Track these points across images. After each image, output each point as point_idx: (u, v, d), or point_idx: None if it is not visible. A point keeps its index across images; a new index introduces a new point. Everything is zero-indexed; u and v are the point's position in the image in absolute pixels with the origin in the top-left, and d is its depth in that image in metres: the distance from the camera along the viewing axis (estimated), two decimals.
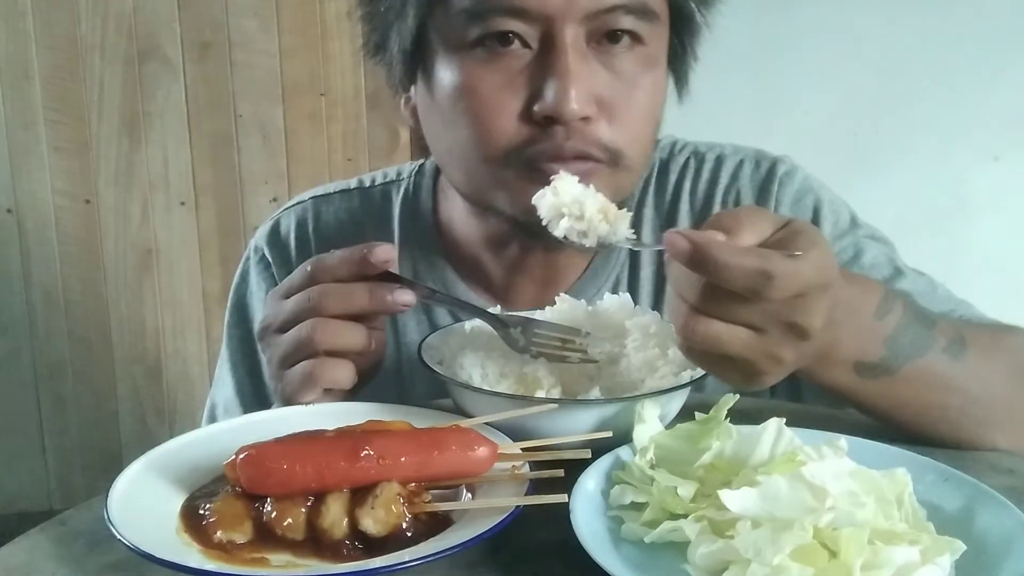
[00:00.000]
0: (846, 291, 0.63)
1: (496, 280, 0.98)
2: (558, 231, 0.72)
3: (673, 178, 1.01)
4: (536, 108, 0.80)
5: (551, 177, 0.73)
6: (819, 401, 0.91)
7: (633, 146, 0.84)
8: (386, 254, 0.72)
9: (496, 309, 0.80)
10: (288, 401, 0.75)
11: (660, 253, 0.97)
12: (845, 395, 0.71)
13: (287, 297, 0.76)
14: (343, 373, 0.74)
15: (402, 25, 0.85)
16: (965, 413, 0.72)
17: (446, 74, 0.84)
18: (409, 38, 0.85)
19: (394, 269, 0.74)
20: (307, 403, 0.73)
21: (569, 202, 0.71)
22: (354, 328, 0.74)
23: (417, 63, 0.88)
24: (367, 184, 1.08)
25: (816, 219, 0.96)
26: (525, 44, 0.80)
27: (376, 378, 0.79)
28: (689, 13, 0.88)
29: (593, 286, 0.97)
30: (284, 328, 0.75)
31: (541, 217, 0.73)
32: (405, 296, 0.73)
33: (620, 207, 0.73)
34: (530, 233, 0.86)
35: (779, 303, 0.58)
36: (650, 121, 0.87)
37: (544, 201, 0.73)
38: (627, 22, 0.81)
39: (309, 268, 0.75)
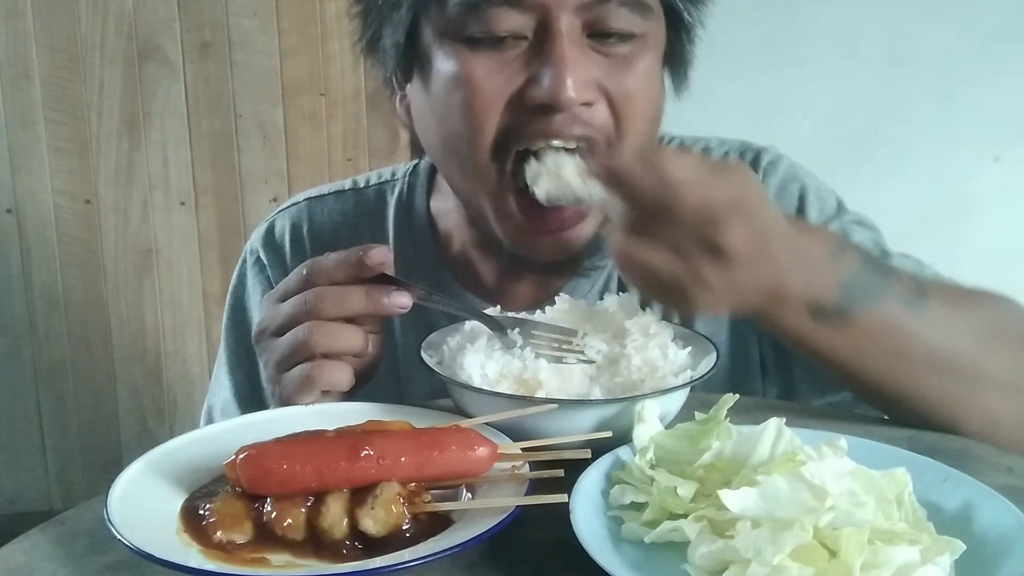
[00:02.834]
0: (794, 235, 0.67)
1: (489, 281, 0.99)
2: (539, 191, 0.80)
3: None
4: (530, 94, 0.80)
5: (536, 148, 0.81)
6: (812, 392, 0.91)
7: (635, 124, 0.84)
8: (382, 256, 0.72)
9: (496, 310, 0.80)
10: (286, 404, 0.75)
11: None
12: (805, 344, 0.72)
13: (283, 300, 0.76)
14: (341, 375, 0.74)
15: (396, 17, 0.85)
16: (929, 367, 0.72)
17: (441, 64, 0.84)
18: (403, 31, 0.85)
19: (389, 271, 0.74)
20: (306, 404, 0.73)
21: (551, 167, 0.80)
22: (351, 330, 0.74)
23: (411, 59, 0.88)
24: (361, 185, 1.08)
25: (802, 206, 0.97)
26: (521, 35, 0.81)
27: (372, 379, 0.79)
28: (679, 11, 0.88)
29: (586, 284, 0.97)
30: (281, 331, 0.75)
31: (528, 183, 0.80)
32: (402, 298, 0.73)
33: None
34: (521, 261, 0.91)
35: (691, 220, 0.62)
36: (649, 108, 0.87)
37: (530, 169, 0.81)
38: (621, 14, 0.81)
39: (305, 271, 0.75)
